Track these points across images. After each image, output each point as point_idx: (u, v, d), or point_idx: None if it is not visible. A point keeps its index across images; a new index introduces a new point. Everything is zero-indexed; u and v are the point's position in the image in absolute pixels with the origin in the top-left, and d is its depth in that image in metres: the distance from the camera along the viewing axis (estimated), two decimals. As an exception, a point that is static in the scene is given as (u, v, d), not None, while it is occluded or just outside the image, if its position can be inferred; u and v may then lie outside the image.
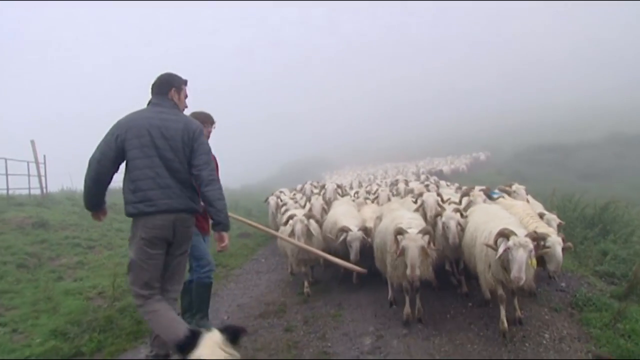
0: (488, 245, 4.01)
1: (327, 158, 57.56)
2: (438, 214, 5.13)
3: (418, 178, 17.13)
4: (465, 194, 6.39)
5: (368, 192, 10.08)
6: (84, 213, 12.36)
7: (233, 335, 2.63)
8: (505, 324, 4.02)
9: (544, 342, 3.87)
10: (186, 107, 3.68)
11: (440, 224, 5.05)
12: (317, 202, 7.45)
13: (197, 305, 4.48)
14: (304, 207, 7.90)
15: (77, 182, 20.93)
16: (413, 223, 4.66)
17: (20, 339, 4.46)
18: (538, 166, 28.76)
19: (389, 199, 8.26)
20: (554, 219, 5.34)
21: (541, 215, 5.37)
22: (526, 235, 3.79)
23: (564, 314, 4.48)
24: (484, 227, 4.45)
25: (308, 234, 5.66)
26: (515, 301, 4.26)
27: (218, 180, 3.41)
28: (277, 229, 9.08)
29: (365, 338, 4.31)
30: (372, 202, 8.52)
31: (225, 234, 3.43)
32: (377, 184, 12.75)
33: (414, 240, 4.18)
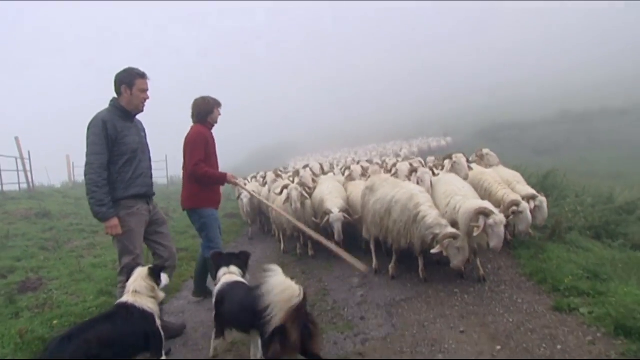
0: (473, 225, 4.64)
1: (293, 144, 58.39)
2: (413, 170, 5.94)
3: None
4: (448, 157, 6.92)
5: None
6: (78, 203, 13.16)
7: (157, 273, 3.35)
8: (482, 271, 5.03)
9: (487, 270, 5.21)
10: (145, 99, 4.09)
11: (414, 179, 5.93)
12: (307, 172, 8.28)
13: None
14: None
15: (54, 176, 21.37)
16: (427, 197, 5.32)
17: (73, 298, 5.44)
18: (496, 143, 30.50)
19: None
20: (544, 201, 5.90)
21: (534, 197, 5.85)
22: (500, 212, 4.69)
23: (503, 253, 5.83)
24: (446, 199, 5.32)
25: (302, 200, 6.53)
26: (478, 262, 5.07)
27: (92, 174, 3.76)
28: (253, 222, 9.88)
29: (354, 279, 5.56)
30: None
31: (105, 224, 3.86)
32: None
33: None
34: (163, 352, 3.17)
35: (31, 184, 15.01)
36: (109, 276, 6.26)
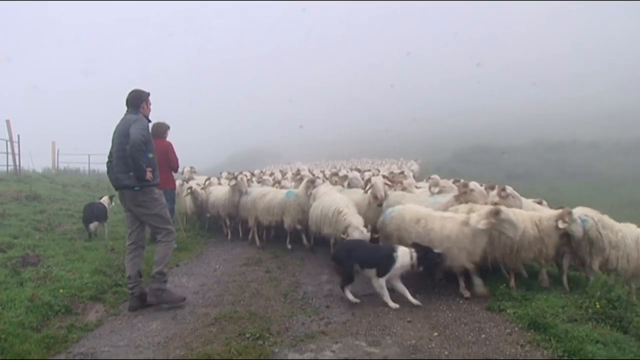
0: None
1: (273, 149, 59.07)
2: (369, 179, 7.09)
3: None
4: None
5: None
6: (66, 189, 13.60)
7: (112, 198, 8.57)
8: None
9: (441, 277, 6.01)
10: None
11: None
12: (380, 180, 7.23)
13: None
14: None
15: (38, 162, 21.51)
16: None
17: (71, 274, 5.99)
18: (473, 165, 31.93)
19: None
20: None
21: None
22: None
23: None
24: None
25: None
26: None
27: (139, 150, 4.94)
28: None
29: (323, 276, 6.32)
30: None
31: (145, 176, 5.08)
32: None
33: None
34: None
35: (18, 167, 15.33)
36: (100, 258, 6.81)
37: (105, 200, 8.80)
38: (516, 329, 4.24)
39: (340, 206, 6.64)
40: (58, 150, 21.74)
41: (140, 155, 4.93)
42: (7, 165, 15.07)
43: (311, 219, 7.33)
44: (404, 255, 4.96)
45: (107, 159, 5.44)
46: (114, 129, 5.30)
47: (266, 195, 8.59)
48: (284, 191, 8.57)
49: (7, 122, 15.17)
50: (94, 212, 8.35)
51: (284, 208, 8.08)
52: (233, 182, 9.06)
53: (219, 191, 9.80)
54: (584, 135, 39.31)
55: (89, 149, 25.04)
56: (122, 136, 5.05)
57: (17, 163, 15.46)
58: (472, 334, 4.16)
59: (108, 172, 5.47)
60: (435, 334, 4.20)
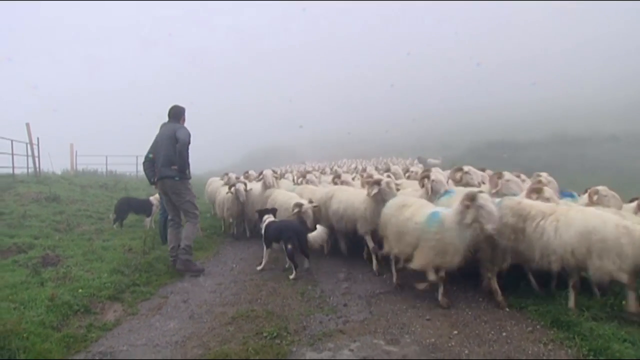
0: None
1: (288, 148, 59.03)
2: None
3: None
4: (459, 169, 6.86)
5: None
6: (84, 190, 13.80)
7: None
8: None
9: (456, 273, 5.91)
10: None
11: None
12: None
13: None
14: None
15: (57, 163, 21.81)
16: None
17: (89, 274, 6.06)
18: (488, 161, 31.46)
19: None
20: None
21: None
22: None
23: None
24: None
25: None
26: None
27: (186, 152, 6.45)
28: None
29: (340, 274, 6.27)
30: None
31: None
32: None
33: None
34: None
35: (38, 169, 15.61)
36: (118, 258, 6.87)
37: (152, 199, 10.01)
38: (538, 327, 4.14)
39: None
40: (76, 152, 22.08)
41: (187, 152, 6.38)
42: (28, 168, 15.37)
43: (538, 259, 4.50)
44: None
45: (145, 158, 6.82)
46: (156, 134, 6.71)
47: (405, 209, 5.25)
48: (429, 209, 5.06)
49: (27, 125, 15.47)
50: (117, 206, 9.94)
51: (419, 239, 4.90)
52: (374, 188, 6.07)
53: (348, 198, 6.89)
54: (603, 128, 38.53)
55: (104, 150, 25.34)
56: (168, 138, 6.44)
57: (37, 165, 15.76)
58: (492, 332, 4.08)
59: (145, 169, 6.85)
60: (455, 332, 4.13)
